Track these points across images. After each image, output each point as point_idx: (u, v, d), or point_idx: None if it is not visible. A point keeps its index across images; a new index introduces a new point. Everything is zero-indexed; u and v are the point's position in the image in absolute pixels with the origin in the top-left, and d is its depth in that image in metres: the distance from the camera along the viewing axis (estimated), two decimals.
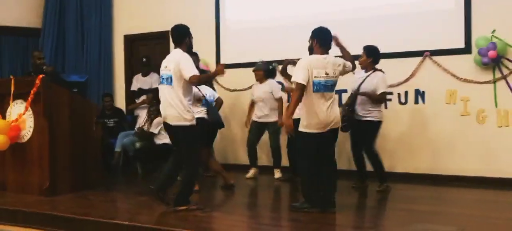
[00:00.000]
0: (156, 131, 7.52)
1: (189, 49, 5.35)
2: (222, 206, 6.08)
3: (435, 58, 6.98)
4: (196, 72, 5.11)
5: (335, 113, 5.11)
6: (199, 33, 8.48)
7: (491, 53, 6.44)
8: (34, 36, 9.84)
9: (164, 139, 7.76)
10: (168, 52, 8.77)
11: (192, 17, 8.67)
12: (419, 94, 7.09)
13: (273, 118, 7.28)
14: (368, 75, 6.24)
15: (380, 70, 6.29)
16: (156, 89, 8.41)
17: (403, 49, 7.12)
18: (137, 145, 8.05)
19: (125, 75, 9.55)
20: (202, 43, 8.24)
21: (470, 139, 6.79)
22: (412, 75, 7.10)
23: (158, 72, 8.60)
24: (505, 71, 6.60)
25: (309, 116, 5.05)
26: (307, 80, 4.96)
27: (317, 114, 5.00)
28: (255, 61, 7.50)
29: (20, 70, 9.62)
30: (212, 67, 7.96)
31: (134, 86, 8.87)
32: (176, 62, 5.16)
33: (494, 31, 6.54)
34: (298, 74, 5.00)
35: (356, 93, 6.22)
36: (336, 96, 5.38)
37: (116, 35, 9.67)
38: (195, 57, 7.02)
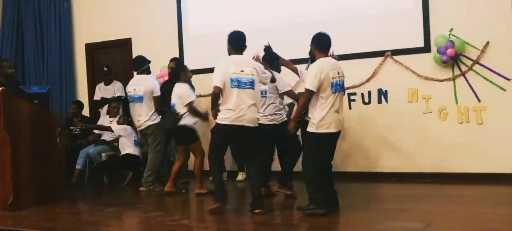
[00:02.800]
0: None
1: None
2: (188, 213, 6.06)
3: (396, 57, 7.11)
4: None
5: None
6: (161, 40, 8.54)
7: (450, 51, 6.60)
8: None
9: (128, 148, 7.73)
10: (130, 59, 8.78)
11: (154, 23, 8.67)
12: (382, 94, 7.20)
13: None
14: None
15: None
16: (119, 98, 8.41)
17: (364, 49, 7.22)
18: (103, 155, 7.98)
19: (88, 84, 9.41)
20: (165, 49, 8.23)
21: (433, 136, 6.94)
22: (373, 75, 7.21)
23: (120, 80, 8.61)
24: (464, 68, 6.77)
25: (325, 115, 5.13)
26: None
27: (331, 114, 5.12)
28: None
29: None
30: None
31: (97, 96, 8.75)
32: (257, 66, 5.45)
33: (451, 29, 6.71)
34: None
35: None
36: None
37: (77, 44, 9.52)
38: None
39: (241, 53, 5.49)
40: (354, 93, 7.27)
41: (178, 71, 6.86)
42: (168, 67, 7.69)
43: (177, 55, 8.36)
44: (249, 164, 5.54)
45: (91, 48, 9.41)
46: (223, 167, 6.26)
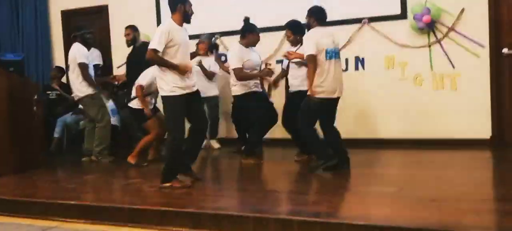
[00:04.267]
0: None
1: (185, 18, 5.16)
2: None
3: (372, 24, 7.16)
4: None
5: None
6: (138, 7, 8.45)
7: (426, 18, 6.66)
8: None
9: None
10: (107, 26, 8.69)
11: None
12: (359, 61, 7.27)
13: (212, 92, 7.41)
14: (298, 48, 6.23)
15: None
16: (96, 66, 8.29)
17: (341, 17, 7.24)
18: (81, 124, 7.94)
19: (64, 51, 9.31)
20: (143, 19, 8.14)
21: (408, 102, 7.04)
22: (350, 42, 7.26)
23: (98, 48, 8.50)
24: (439, 36, 6.85)
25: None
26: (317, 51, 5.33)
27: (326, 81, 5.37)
28: (199, 34, 7.49)
29: None
30: None
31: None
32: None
33: None
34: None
35: (288, 68, 6.32)
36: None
37: (52, 11, 9.38)
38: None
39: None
40: None
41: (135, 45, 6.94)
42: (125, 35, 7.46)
43: (155, 24, 8.30)
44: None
45: (67, 15, 9.28)
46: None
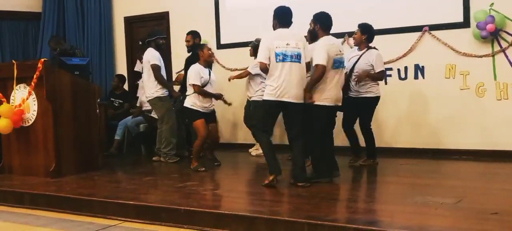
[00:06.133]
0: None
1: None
2: (223, 184, 6.18)
3: (433, 32, 7.01)
4: None
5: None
6: (198, 14, 8.61)
7: (490, 26, 6.47)
8: (34, 20, 9.87)
9: None
10: (168, 32, 8.89)
11: None
12: (419, 70, 7.13)
13: None
14: (363, 53, 6.24)
15: (374, 47, 6.31)
16: None
17: (401, 24, 7.14)
18: (141, 127, 8.16)
19: (127, 57, 9.60)
20: (202, 24, 8.29)
21: (470, 112, 6.84)
22: (411, 50, 7.14)
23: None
24: (504, 45, 6.63)
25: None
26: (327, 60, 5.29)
27: (330, 89, 5.36)
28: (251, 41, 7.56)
29: (21, 54, 9.67)
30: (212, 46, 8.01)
31: (137, 67, 8.96)
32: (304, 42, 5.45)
33: (492, 4, 6.57)
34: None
35: (351, 72, 6.25)
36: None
37: (116, 17, 9.69)
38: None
39: (288, 28, 5.44)
40: (390, 69, 7.19)
41: (196, 51, 6.83)
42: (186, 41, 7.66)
43: (214, 29, 8.45)
44: (292, 139, 5.56)
45: (129, 22, 9.57)
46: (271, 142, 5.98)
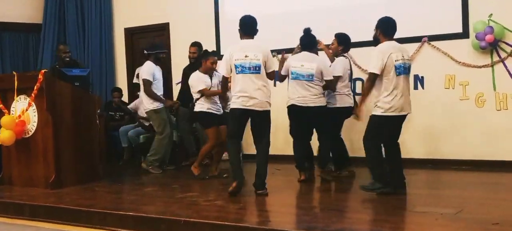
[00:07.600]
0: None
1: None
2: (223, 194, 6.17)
3: (433, 43, 7.03)
4: None
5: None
6: (198, 25, 8.64)
7: (489, 37, 6.49)
8: (35, 32, 9.90)
9: None
10: (168, 44, 8.91)
11: (192, 8, 8.76)
12: (418, 80, 7.14)
13: None
14: (332, 63, 6.25)
15: (344, 56, 6.33)
16: None
17: (401, 35, 7.07)
18: (141, 138, 8.17)
19: (127, 68, 9.62)
20: (202, 35, 8.31)
21: (470, 122, 6.85)
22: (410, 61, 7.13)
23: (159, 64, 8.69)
24: (503, 55, 6.65)
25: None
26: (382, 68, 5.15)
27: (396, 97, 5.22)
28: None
29: (21, 65, 9.69)
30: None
31: (136, 79, 8.95)
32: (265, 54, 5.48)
33: (491, 15, 6.59)
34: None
35: None
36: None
37: (116, 28, 9.72)
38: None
39: (252, 38, 5.56)
40: None
41: (200, 59, 6.86)
42: (189, 53, 7.70)
43: (214, 40, 8.47)
44: (256, 146, 5.61)
45: (130, 33, 9.60)
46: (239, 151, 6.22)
